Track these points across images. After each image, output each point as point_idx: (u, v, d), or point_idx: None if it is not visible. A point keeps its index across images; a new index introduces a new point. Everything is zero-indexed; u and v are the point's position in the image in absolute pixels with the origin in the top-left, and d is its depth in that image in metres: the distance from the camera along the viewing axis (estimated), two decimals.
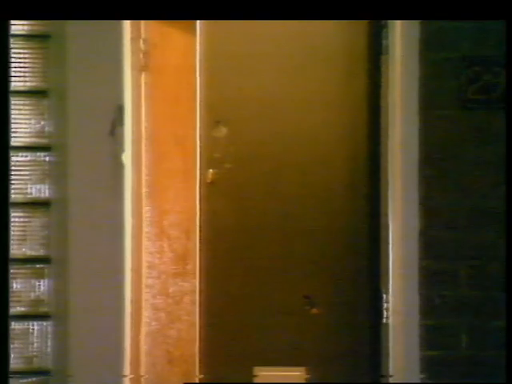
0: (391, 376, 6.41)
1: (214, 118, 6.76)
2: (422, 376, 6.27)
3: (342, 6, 7.06)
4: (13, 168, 6.14)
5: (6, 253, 5.11)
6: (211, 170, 6.75)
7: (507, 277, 5.57)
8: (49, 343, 5.95)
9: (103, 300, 6.07)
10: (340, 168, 6.66)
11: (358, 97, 6.69)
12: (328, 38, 6.82)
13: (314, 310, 6.48)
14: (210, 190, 6.78)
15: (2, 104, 5.45)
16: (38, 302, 5.96)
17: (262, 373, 6.54)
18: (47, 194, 5.90)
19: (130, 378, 6.87)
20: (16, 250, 5.98)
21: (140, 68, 7.17)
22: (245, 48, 6.91)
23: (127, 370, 6.52)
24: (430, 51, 6.23)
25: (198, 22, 7.21)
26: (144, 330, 7.32)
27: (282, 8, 6.98)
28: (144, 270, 7.26)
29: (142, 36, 7.28)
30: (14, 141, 6.05)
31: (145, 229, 7.23)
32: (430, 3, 6.87)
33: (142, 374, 7.44)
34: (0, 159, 5.04)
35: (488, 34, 6.31)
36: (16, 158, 6.12)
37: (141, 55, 7.20)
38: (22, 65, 6.07)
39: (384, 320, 6.29)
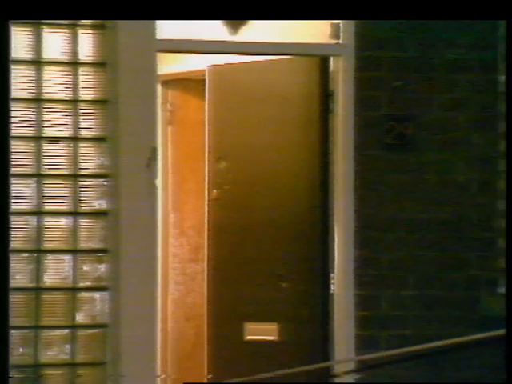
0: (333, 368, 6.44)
1: (217, 155, 7.00)
2: (358, 377, 6.43)
3: (344, 7, 6.19)
4: (82, 189, 6.18)
5: (6, 254, 4.50)
6: (215, 191, 6.95)
7: (507, 277, 5.06)
8: (106, 306, 6.12)
9: (142, 278, 6.18)
10: (302, 189, 6.77)
11: (314, 142, 6.78)
12: (295, 105, 6.84)
13: (285, 284, 6.64)
14: (215, 204, 7.00)
15: (2, 127, 4.66)
16: (99, 279, 6.18)
17: (249, 326, 6.75)
18: (105, 207, 6.11)
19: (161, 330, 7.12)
20: (84, 244, 6.11)
21: (167, 122, 7.59)
22: (238, 109, 7.00)
23: (159, 324, 6.93)
24: (361, 110, 6.44)
25: (206, 90, 7.22)
26: (170, 297, 7.73)
27: (281, 8, 6.17)
28: (170, 258, 7.65)
29: (169, 101, 7.60)
30: (84, 171, 6.13)
31: (170, 230, 7.63)
32: (432, 4, 6.09)
33: (169, 327, 7.63)
34: (1, 174, 4.49)
35: (400, 98, 6.44)
36: (85, 183, 6.19)
37: (168, 114, 7.61)
38: (89, 120, 6.18)
39: (331, 291, 6.44)
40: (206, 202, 6.98)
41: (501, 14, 5.69)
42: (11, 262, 6.23)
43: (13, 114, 6.26)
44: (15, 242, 6.17)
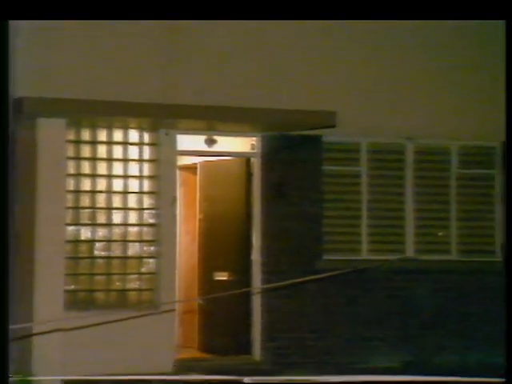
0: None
1: (202, 200, 7.49)
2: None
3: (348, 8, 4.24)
4: (144, 213, 6.79)
5: (5, 258, 3.12)
6: (201, 215, 7.53)
7: (507, 276, 3.51)
8: (154, 265, 6.90)
9: (170, 253, 6.98)
10: (239, 216, 7.24)
11: (244, 195, 7.21)
12: (236, 179, 7.21)
13: (231, 256, 7.25)
14: (201, 221, 7.53)
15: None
16: (150, 253, 6.97)
17: (216, 273, 7.31)
18: (153, 221, 6.92)
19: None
20: (144, 237, 6.88)
21: (181, 185, 7.63)
22: (211, 181, 7.42)
23: (177, 273, 7.07)
24: (264, 181, 7.00)
25: (198, 173, 7.33)
26: (183, 262, 7.68)
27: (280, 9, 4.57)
28: (182, 244, 7.68)
29: (182, 176, 7.68)
30: (145, 206, 6.78)
31: (182, 232, 7.69)
32: (433, 4, 3.98)
33: (182, 275, 7.34)
34: (1, 194, 3.04)
35: (281, 176, 7.03)
36: (145, 211, 6.82)
37: (181, 181, 7.66)
38: (148, 185, 6.85)
39: (251, 258, 7.08)
40: (197, 220, 7.53)
41: (501, 14, 3.67)
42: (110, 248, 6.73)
43: (116, 182, 6.84)
44: (115, 237, 6.79)
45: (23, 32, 6.39)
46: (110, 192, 6.89)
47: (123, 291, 6.91)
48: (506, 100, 3.52)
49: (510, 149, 3.40)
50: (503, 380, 3.12)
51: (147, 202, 6.97)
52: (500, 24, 4.95)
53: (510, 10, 3.41)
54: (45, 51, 6.59)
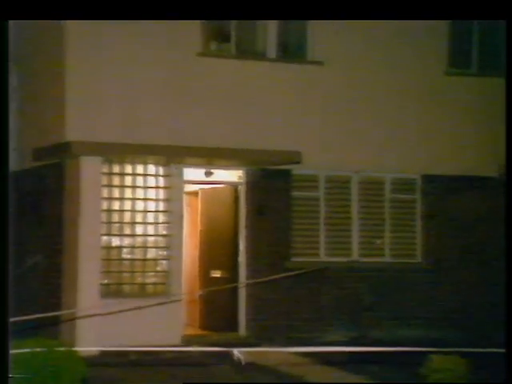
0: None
1: (203, 216, 7.75)
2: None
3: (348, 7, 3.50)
4: (159, 227, 6.98)
5: (5, 263, 2.62)
6: (201, 228, 7.82)
7: (507, 277, 2.86)
8: (167, 265, 7.14)
9: (178, 256, 7.23)
10: (230, 228, 7.39)
11: (233, 212, 7.42)
12: (227, 202, 7.38)
13: (223, 258, 7.45)
14: (201, 232, 7.79)
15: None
16: (164, 256, 7.21)
17: (211, 271, 7.59)
18: (166, 233, 7.15)
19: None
20: (160, 245, 7.12)
21: (187, 206, 7.71)
22: (209, 203, 7.66)
23: (183, 272, 7.22)
24: (248, 202, 7.18)
25: (199, 197, 7.56)
26: (188, 268, 7.70)
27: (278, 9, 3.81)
28: (188, 249, 7.76)
29: (187, 199, 7.78)
30: (160, 221, 6.99)
31: (188, 240, 7.75)
32: (432, 4, 3.37)
33: (187, 273, 7.40)
34: (1, 203, 2.52)
35: (260, 202, 7.21)
36: (160, 225, 6.96)
37: (187, 202, 7.74)
38: (162, 205, 7.04)
39: (239, 259, 7.36)
40: (198, 232, 7.82)
41: (501, 14, 3.16)
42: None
43: (138, 203, 7.04)
44: (138, 244, 6.99)
45: (71, 99, 6.87)
46: (133, 211, 7.26)
47: (143, 284, 7.26)
48: (506, 101, 3.05)
49: (509, 153, 2.95)
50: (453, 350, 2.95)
51: (161, 218, 7.30)
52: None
53: (510, 9, 2.97)
54: (86, 106, 7.02)
